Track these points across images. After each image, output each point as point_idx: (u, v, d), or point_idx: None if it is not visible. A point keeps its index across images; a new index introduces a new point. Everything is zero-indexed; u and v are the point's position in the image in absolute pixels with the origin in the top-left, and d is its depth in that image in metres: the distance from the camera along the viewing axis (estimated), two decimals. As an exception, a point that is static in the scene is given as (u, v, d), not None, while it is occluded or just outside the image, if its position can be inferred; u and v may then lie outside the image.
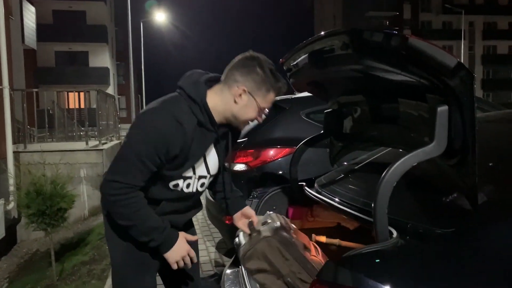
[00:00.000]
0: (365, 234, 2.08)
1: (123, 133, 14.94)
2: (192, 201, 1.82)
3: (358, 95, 1.97)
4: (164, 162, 1.60)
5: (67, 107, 9.70)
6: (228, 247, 4.30)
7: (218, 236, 4.73)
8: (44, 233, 5.31)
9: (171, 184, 1.69)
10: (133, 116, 23.08)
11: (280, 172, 3.51)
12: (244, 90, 1.64)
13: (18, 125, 8.10)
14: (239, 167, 3.63)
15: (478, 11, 42.81)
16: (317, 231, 2.28)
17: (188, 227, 1.94)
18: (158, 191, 1.68)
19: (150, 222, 1.62)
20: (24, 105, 7.83)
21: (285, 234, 1.69)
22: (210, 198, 3.75)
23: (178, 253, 1.67)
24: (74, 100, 11.21)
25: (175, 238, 1.68)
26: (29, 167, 4.95)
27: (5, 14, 7.11)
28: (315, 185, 2.17)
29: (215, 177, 1.88)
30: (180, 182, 1.71)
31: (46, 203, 4.27)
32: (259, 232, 1.71)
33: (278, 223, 1.75)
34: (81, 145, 7.78)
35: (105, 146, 7.81)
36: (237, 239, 1.79)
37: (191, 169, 1.70)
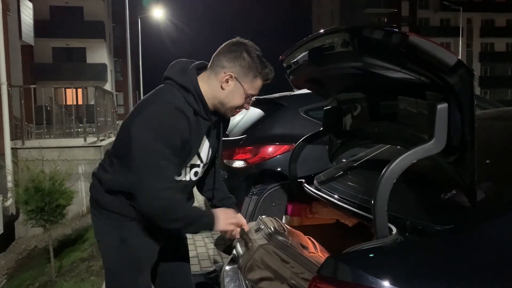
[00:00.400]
0: (364, 230, 2.09)
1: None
2: (188, 193, 1.83)
3: (357, 92, 1.98)
4: (179, 152, 1.57)
5: (64, 103, 9.66)
6: (226, 244, 4.31)
7: (216, 232, 4.73)
8: (43, 230, 5.32)
9: (178, 174, 1.69)
10: (131, 112, 22.99)
11: (279, 169, 3.52)
12: (230, 76, 1.62)
13: (16, 122, 8.09)
14: (238, 164, 3.64)
15: (476, 8, 42.84)
16: (316, 228, 2.29)
17: None
18: None
19: (193, 212, 1.63)
20: (22, 101, 7.81)
21: (280, 238, 1.66)
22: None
23: (227, 220, 1.68)
24: (72, 96, 11.21)
25: (215, 213, 1.67)
26: (27, 164, 4.94)
27: (2, 10, 7.09)
28: (314, 182, 2.17)
29: (206, 175, 1.88)
30: (187, 170, 1.71)
31: (45, 200, 4.27)
32: (254, 241, 1.69)
33: (271, 228, 1.71)
34: (79, 141, 7.77)
35: (103, 143, 7.81)
36: (234, 251, 1.78)
37: (197, 157, 1.70)
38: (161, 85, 1.67)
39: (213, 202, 1.98)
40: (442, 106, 1.30)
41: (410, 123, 1.66)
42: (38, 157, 4.99)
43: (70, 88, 9.18)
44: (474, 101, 1.24)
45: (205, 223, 1.64)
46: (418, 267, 1.16)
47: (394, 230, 1.32)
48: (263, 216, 1.86)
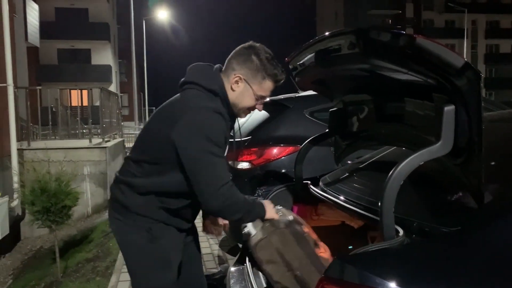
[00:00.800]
0: (369, 233, 2.09)
1: (126, 131, 14.96)
2: None
3: (363, 94, 1.98)
4: (224, 151, 1.70)
5: (70, 104, 9.69)
6: (231, 245, 4.32)
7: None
8: (48, 230, 5.34)
9: None
10: (136, 114, 23.10)
11: (284, 171, 3.52)
12: (240, 78, 1.71)
13: (21, 123, 8.13)
14: (243, 165, 3.64)
15: (481, 10, 42.66)
16: (322, 229, 2.29)
17: (192, 224, 1.98)
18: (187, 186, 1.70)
19: (249, 202, 1.72)
20: (28, 102, 7.85)
21: (298, 228, 1.71)
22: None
23: (272, 208, 1.78)
24: (77, 98, 11.24)
25: (261, 202, 1.79)
26: (33, 165, 4.97)
27: (9, 12, 7.13)
28: (320, 183, 2.18)
29: None
30: None
31: (51, 200, 4.28)
32: (271, 223, 1.73)
33: (291, 217, 1.77)
34: (84, 142, 7.80)
35: (108, 144, 7.83)
36: (246, 229, 1.80)
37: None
38: (185, 90, 1.73)
39: None
40: (449, 108, 1.30)
41: (417, 125, 1.66)
42: (44, 158, 5.01)
43: (75, 89, 9.22)
44: (481, 103, 1.24)
45: (258, 211, 1.75)
46: (424, 269, 1.16)
47: (401, 232, 1.32)
48: (281, 207, 1.89)
